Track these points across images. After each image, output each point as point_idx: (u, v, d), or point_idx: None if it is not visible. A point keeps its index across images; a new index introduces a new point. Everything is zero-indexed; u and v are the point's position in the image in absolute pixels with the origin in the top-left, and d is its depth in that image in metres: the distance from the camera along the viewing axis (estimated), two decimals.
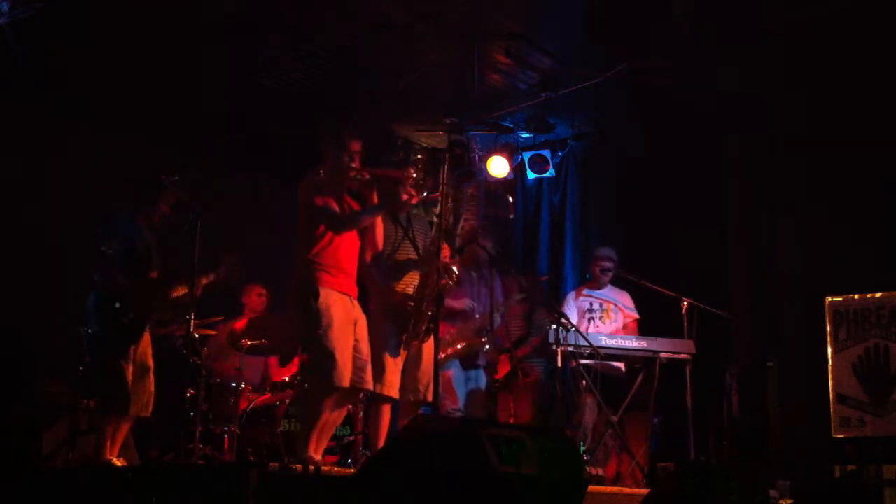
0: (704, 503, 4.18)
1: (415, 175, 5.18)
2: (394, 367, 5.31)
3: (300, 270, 5.09)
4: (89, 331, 5.35)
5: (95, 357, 5.42)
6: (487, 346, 6.68)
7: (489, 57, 7.21)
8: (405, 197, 5.21)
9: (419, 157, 5.50)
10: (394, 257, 5.47)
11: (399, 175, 5.24)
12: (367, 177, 5.19)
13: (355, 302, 5.19)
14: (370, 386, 5.16)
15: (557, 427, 6.34)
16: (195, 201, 5.29)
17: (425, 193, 5.29)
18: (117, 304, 5.14)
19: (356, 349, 5.08)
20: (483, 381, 6.89)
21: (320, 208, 5.09)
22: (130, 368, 5.17)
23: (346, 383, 4.97)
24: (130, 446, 5.74)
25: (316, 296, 4.98)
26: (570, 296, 7.45)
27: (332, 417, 5.11)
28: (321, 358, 4.95)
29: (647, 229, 7.77)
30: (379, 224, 5.32)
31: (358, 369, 5.07)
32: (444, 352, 6.15)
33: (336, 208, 5.11)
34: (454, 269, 5.48)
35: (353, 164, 5.17)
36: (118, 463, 5.15)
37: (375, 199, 5.27)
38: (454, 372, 6.67)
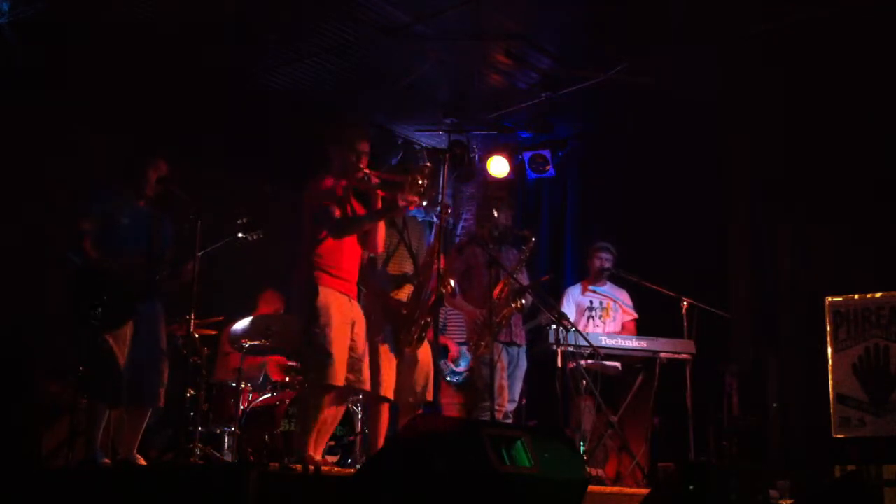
0: (704, 503, 4.18)
1: (420, 182, 5.12)
2: (388, 368, 5.31)
3: (302, 269, 5.09)
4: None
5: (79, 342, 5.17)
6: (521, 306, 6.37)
7: (489, 57, 7.21)
8: (402, 204, 5.14)
9: (427, 164, 5.46)
10: (387, 269, 5.47)
11: (405, 179, 5.18)
12: (376, 181, 5.18)
13: (354, 302, 5.19)
14: (367, 386, 5.15)
15: (556, 427, 6.32)
16: (195, 201, 5.25)
17: (425, 203, 5.27)
18: (96, 285, 4.94)
19: (352, 349, 5.07)
20: (524, 362, 6.54)
21: (322, 212, 5.08)
22: (115, 350, 5.02)
23: (340, 382, 4.97)
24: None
25: (315, 294, 4.98)
26: (575, 289, 7.37)
27: (330, 416, 5.10)
28: (317, 356, 4.94)
29: (648, 229, 7.77)
30: (381, 228, 5.30)
31: (354, 369, 5.06)
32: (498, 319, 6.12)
33: (338, 212, 5.10)
34: (451, 280, 5.48)
35: (361, 165, 5.17)
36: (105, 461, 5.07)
37: (379, 204, 5.26)
38: (504, 362, 6.34)
